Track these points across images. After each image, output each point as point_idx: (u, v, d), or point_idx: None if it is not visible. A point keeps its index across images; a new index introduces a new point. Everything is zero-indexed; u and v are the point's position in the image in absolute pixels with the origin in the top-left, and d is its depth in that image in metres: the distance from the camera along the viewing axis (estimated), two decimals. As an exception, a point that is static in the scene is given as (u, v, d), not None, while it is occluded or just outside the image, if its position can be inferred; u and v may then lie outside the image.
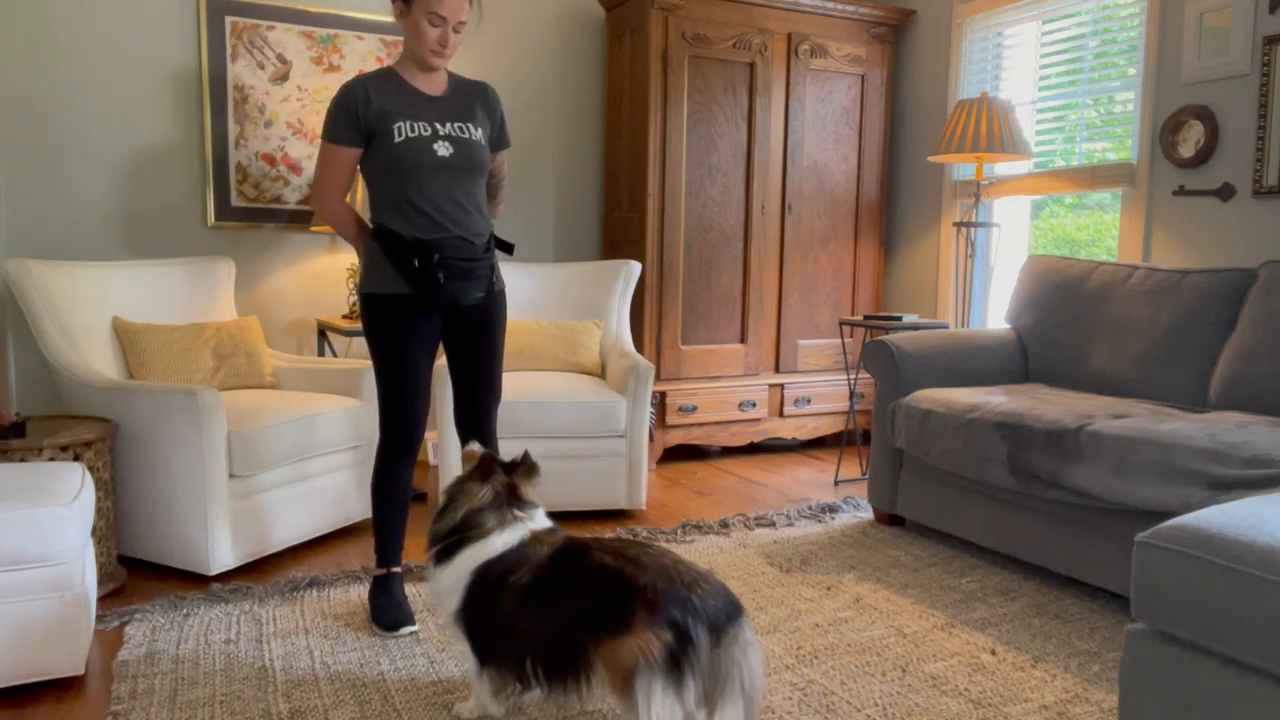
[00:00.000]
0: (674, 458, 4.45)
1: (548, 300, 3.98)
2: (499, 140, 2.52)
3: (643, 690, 1.55)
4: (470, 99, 2.44)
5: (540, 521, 1.93)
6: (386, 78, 2.36)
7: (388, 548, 2.49)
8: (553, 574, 1.76)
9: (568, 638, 1.69)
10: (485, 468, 1.93)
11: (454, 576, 1.86)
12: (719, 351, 4.35)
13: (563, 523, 3.34)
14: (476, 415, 2.55)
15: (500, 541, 1.85)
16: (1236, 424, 2.51)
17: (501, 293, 2.51)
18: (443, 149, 2.32)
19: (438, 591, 1.90)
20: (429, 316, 2.40)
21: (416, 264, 2.30)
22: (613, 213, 4.48)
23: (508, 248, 2.53)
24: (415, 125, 2.31)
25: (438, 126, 2.33)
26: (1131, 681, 1.65)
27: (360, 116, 2.30)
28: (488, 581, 1.82)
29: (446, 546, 1.89)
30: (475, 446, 2.07)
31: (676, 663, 1.55)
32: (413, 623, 2.41)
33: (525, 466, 1.97)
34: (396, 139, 2.29)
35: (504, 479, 1.94)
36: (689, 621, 1.58)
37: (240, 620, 2.46)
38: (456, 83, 2.46)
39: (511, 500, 1.92)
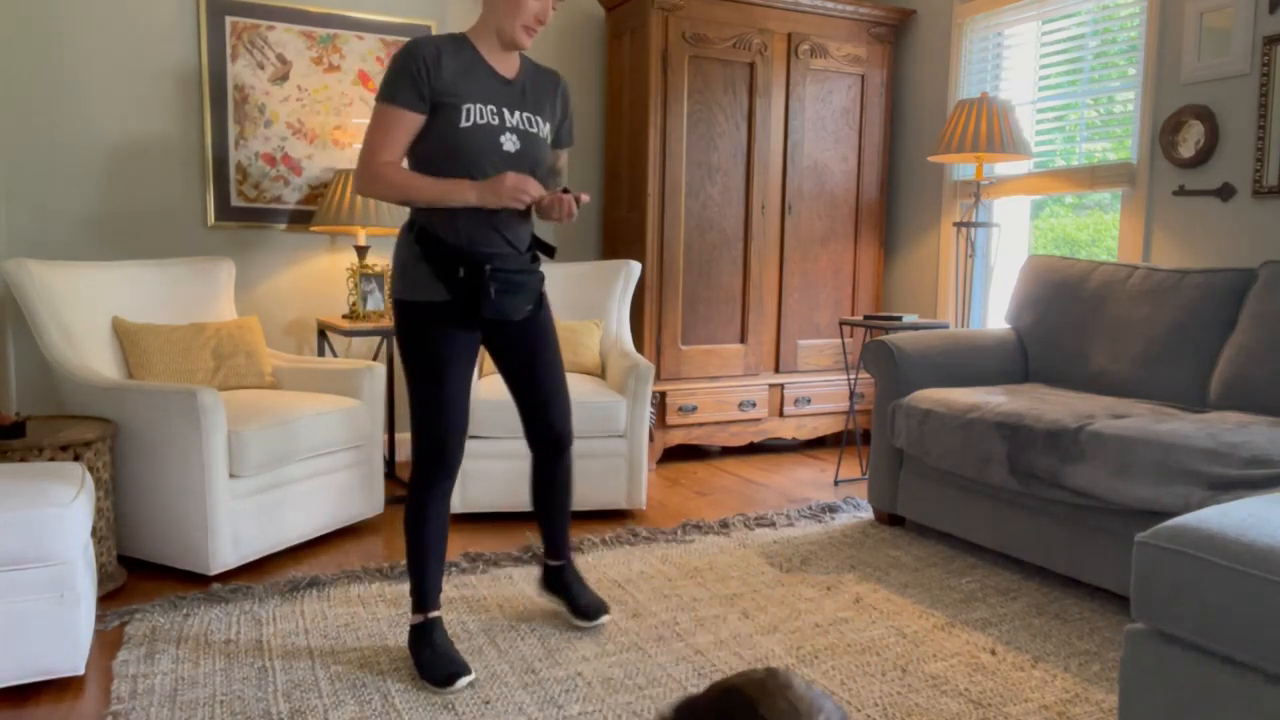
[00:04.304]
0: (674, 458, 4.45)
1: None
2: (565, 136, 2.30)
3: None
4: (543, 88, 2.20)
5: None
6: (460, 45, 2.06)
7: (425, 589, 2.19)
8: None
9: None
10: None
11: None
12: (719, 351, 4.35)
13: (563, 523, 3.36)
14: (553, 432, 2.34)
15: None
16: (1236, 424, 2.51)
17: (541, 298, 2.30)
18: (509, 143, 2.07)
19: None
20: (470, 329, 2.15)
21: (463, 273, 2.06)
22: (613, 213, 4.48)
23: (549, 250, 2.24)
24: (484, 110, 2.04)
25: (506, 115, 2.07)
26: (1131, 681, 1.65)
27: (425, 79, 2.00)
28: None
29: None
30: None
31: None
32: (468, 672, 2.10)
33: None
34: (463, 122, 2.01)
35: None
36: None
37: (240, 620, 2.46)
38: (530, 67, 2.19)
39: None
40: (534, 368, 2.28)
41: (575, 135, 2.33)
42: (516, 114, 2.11)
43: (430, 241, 2.08)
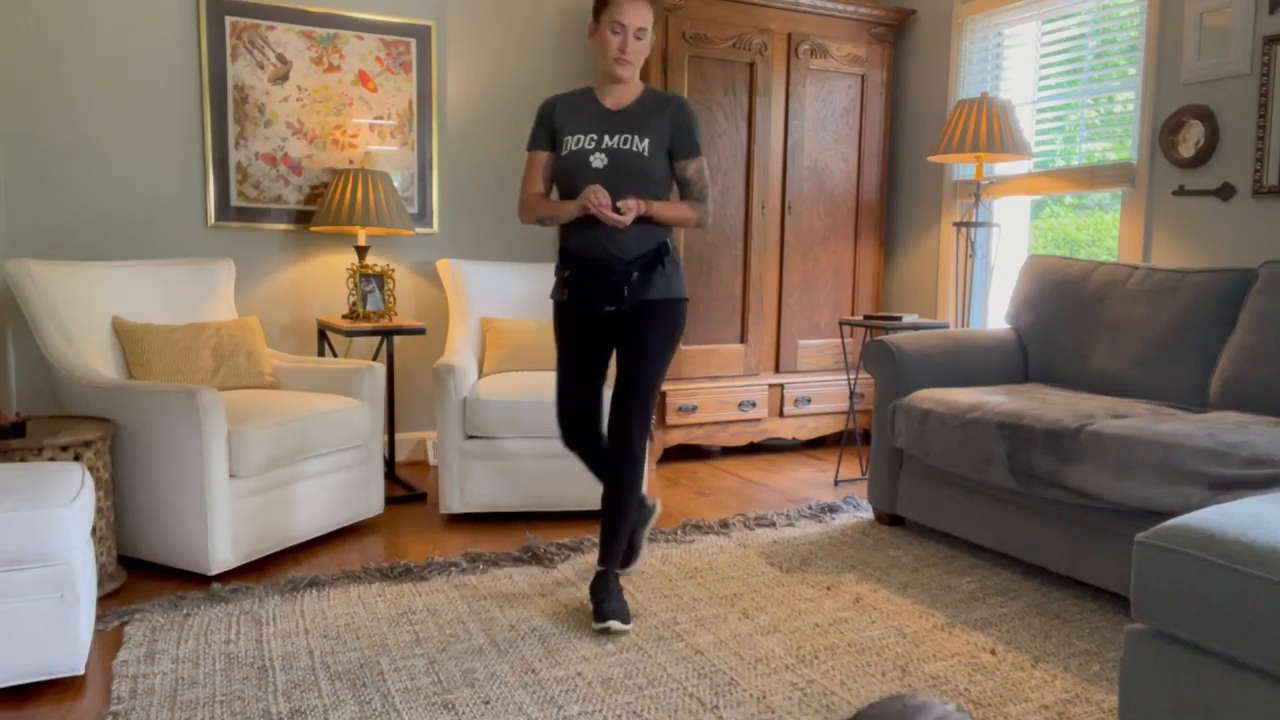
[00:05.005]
0: (674, 458, 4.45)
1: (548, 300, 3.97)
2: (682, 148, 2.52)
3: None
4: (649, 111, 2.51)
5: None
6: (579, 94, 2.55)
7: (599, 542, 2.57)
8: None
9: None
10: None
11: None
12: (719, 351, 4.35)
13: (561, 523, 3.36)
14: (614, 421, 2.50)
15: None
16: (1236, 424, 2.51)
17: (647, 304, 2.49)
18: (597, 160, 2.44)
19: None
20: (588, 322, 2.56)
21: (556, 271, 2.57)
22: (613, 213, 4.47)
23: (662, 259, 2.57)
24: (581, 139, 2.46)
25: (605, 139, 2.45)
26: (1131, 681, 1.66)
27: (545, 125, 2.55)
28: None
29: None
30: None
31: None
32: (612, 619, 2.36)
33: None
34: (563, 152, 2.48)
35: None
36: None
37: (240, 620, 2.46)
38: (649, 96, 2.54)
39: None
40: (621, 359, 2.54)
41: (700, 146, 2.56)
42: (616, 137, 2.46)
43: (560, 251, 2.56)
